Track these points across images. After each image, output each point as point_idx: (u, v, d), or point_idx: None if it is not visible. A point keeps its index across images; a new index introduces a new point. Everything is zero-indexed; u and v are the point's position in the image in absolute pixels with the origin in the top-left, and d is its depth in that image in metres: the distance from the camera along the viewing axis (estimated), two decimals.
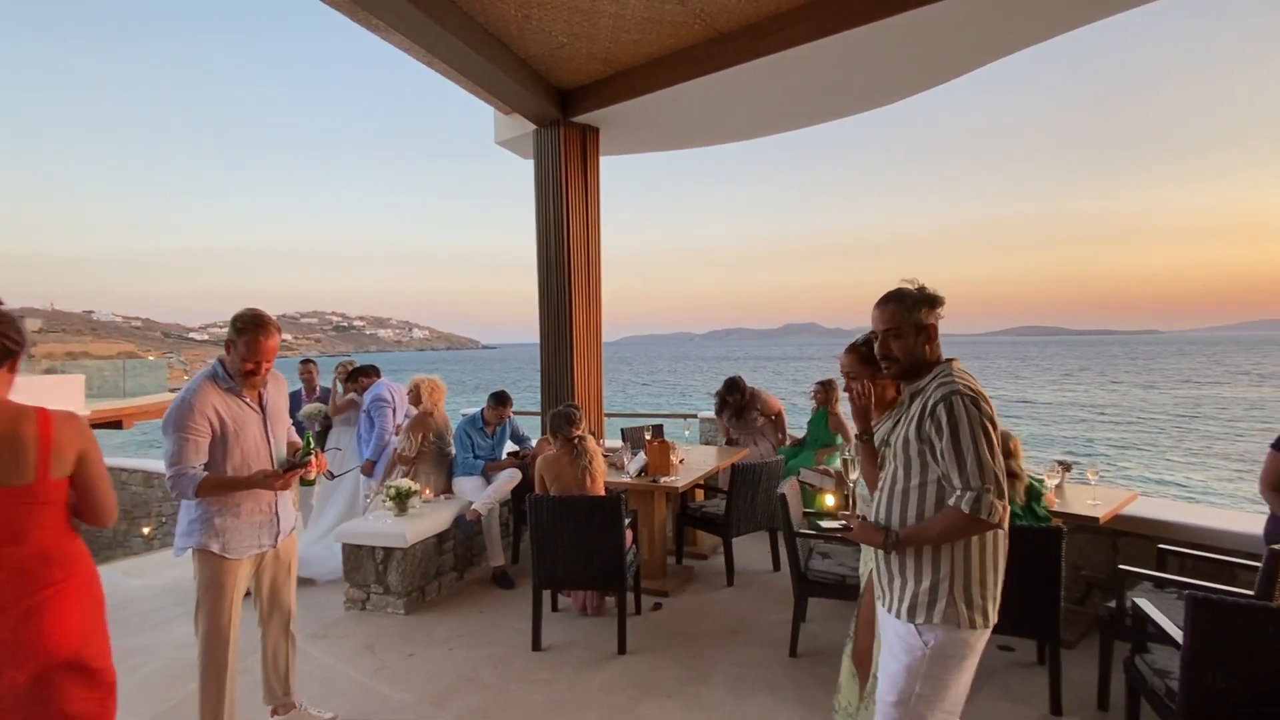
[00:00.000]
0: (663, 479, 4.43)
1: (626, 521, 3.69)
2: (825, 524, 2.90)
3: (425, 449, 4.92)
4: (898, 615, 1.94)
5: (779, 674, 3.42)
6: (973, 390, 1.87)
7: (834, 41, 4.56)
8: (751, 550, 5.24)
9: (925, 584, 1.90)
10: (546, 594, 4.28)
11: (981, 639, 1.92)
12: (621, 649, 3.65)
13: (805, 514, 3.93)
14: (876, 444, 2.15)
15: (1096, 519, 3.48)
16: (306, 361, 6.02)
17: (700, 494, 5.56)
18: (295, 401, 5.89)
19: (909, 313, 1.97)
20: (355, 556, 4.38)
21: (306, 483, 2.77)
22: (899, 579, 1.96)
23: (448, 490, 5.04)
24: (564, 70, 5.64)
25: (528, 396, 9.20)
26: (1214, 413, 38.68)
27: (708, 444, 7.93)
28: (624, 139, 6.54)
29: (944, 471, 1.86)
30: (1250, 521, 3.77)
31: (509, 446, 5.44)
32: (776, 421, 6.07)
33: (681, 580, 4.70)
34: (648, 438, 4.98)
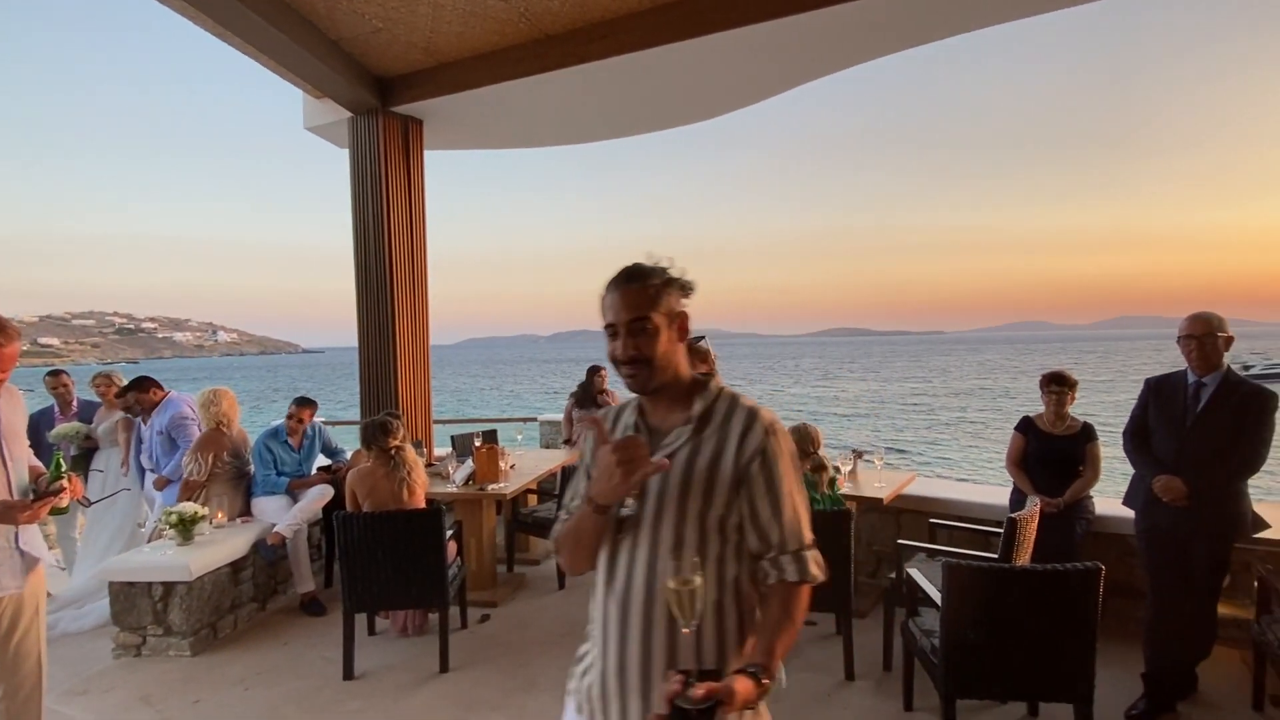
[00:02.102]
0: (491, 487, 4.31)
1: (449, 533, 3.54)
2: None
3: (219, 470, 4.37)
4: None
5: None
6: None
7: (660, 53, 4.71)
8: None
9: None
10: (362, 618, 4.00)
11: None
12: (444, 667, 3.49)
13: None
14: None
15: (881, 499, 3.92)
16: (56, 373, 5.07)
17: (534, 499, 5.50)
18: (47, 420, 4.99)
19: (659, 297, 1.34)
20: (126, 596, 3.78)
21: (57, 511, 2.37)
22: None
23: (246, 513, 4.52)
24: (383, 57, 5.32)
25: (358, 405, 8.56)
26: (984, 400, 45.39)
27: (548, 447, 7.87)
28: (450, 133, 6.31)
29: (752, 527, 1.31)
30: (1002, 494, 4.43)
31: (320, 461, 5.01)
32: None
33: (512, 588, 4.61)
34: (476, 444, 4.82)
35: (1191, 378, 3.01)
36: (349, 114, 5.70)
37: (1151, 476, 3.02)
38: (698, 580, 1.18)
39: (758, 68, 5.07)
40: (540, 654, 3.69)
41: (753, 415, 1.33)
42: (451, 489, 4.35)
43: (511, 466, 4.88)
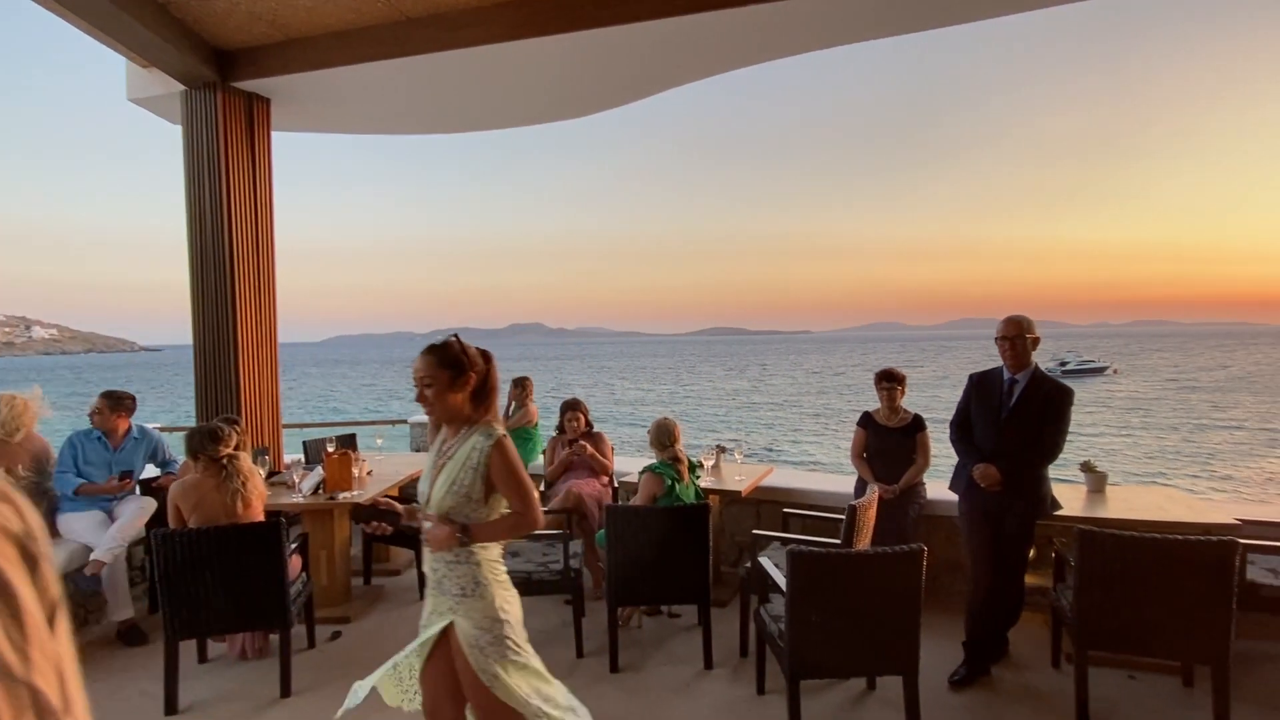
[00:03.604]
0: (342, 495, 4.04)
1: (292, 547, 3.28)
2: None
3: (15, 486, 3.77)
4: None
5: None
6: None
7: (529, 46, 4.62)
8: None
9: None
10: (192, 645, 3.61)
11: None
12: (285, 692, 3.23)
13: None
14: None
15: (739, 492, 4.07)
16: None
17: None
18: None
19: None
20: None
21: None
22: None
23: (53, 533, 3.95)
24: (222, 27, 4.84)
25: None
26: (845, 395, 48.76)
27: (419, 450, 7.51)
28: (303, 115, 5.86)
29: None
30: (851, 483, 4.73)
31: (149, 471, 4.47)
32: None
33: (368, 602, 4.36)
34: (329, 450, 4.50)
35: (1006, 375, 3.37)
36: (182, 87, 5.15)
37: (972, 464, 3.34)
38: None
39: (629, 68, 5.10)
40: None
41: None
42: (298, 499, 4.04)
43: (369, 473, 4.61)
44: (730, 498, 4.39)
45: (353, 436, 6.04)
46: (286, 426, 6.52)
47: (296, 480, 4.11)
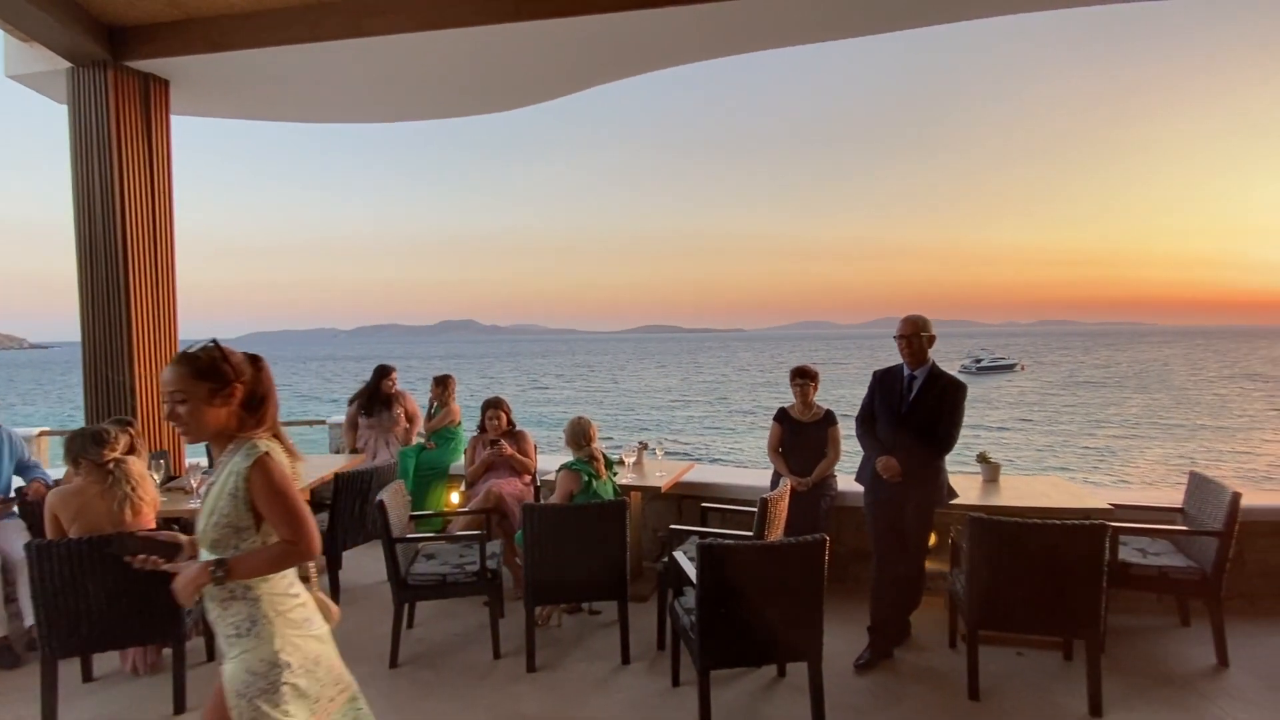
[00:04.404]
0: None
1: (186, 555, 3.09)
2: None
3: None
4: None
5: (376, 688, 3.25)
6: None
7: (447, 37, 4.52)
8: (371, 562, 4.92)
9: None
10: (75, 664, 3.37)
11: None
12: (179, 708, 3.06)
13: (413, 517, 3.84)
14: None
15: (659, 488, 4.13)
16: None
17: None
18: None
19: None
20: None
21: None
22: None
23: None
24: (113, 2, 4.53)
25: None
26: (773, 391, 50.07)
27: (338, 452, 7.23)
28: (206, 98, 5.56)
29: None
30: (767, 477, 4.86)
31: (15, 482, 4.09)
32: (412, 425, 5.86)
33: None
34: None
35: (906, 371, 3.55)
36: (68, 64, 4.79)
37: (875, 456, 3.50)
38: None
39: (556, 62, 5.07)
40: None
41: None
42: (197, 505, 3.82)
43: None
44: (652, 494, 4.45)
45: None
46: None
47: (195, 485, 3.89)
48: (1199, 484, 3.82)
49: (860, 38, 4.73)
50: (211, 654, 3.57)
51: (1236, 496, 3.38)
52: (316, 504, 4.92)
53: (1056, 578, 2.95)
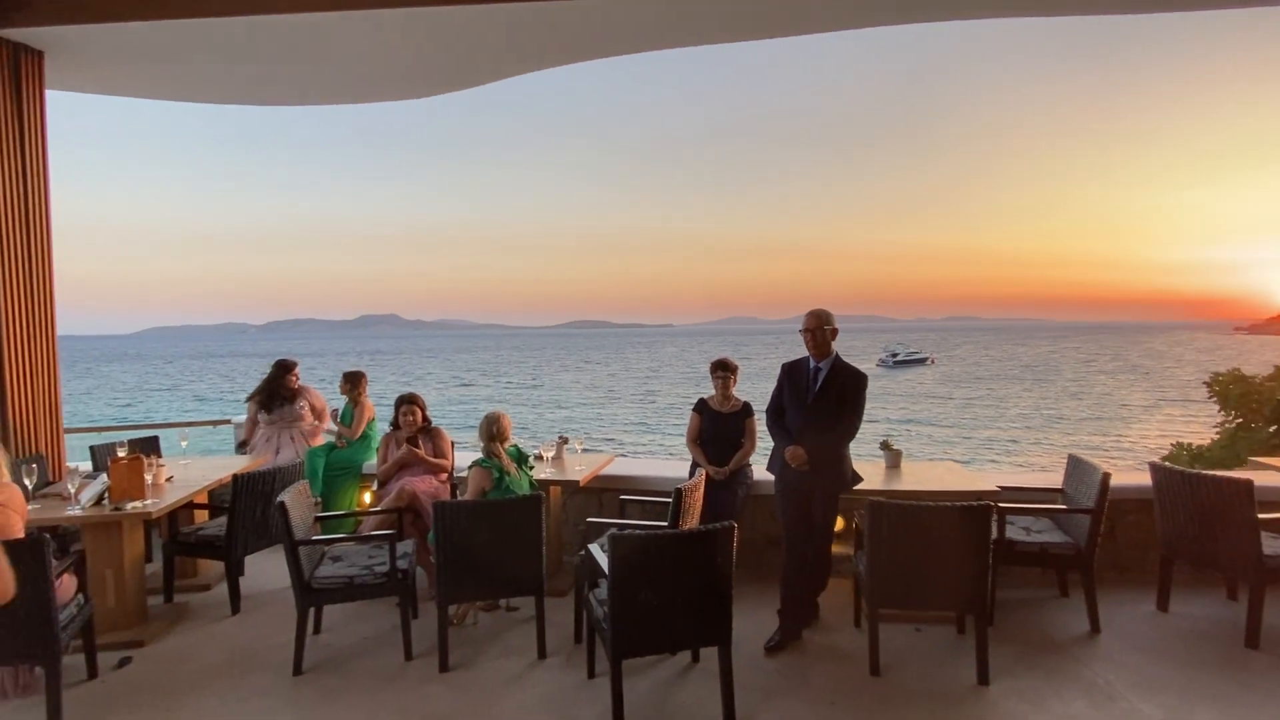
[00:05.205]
0: (131, 505, 3.60)
1: (62, 566, 2.87)
2: None
3: None
4: None
5: (278, 699, 3.12)
6: None
7: (347, 20, 4.33)
8: (276, 568, 4.68)
9: None
10: None
11: None
12: None
13: (320, 518, 3.69)
14: None
15: (577, 481, 4.13)
16: None
17: (204, 514, 4.74)
18: None
19: None
20: None
21: None
22: None
23: None
24: None
25: None
26: (704, 385, 51.01)
27: (242, 452, 6.84)
28: (85, 72, 5.14)
29: None
30: (686, 468, 4.93)
31: None
32: (321, 420, 5.61)
33: (169, 622, 3.92)
34: (119, 455, 3.98)
35: (812, 363, 3.68)
36: None
37: (784, 446, 3.62)
38: None
39: (465, 51, 4.96)
40: (197, 692, 3.19)
41: None
42: (75, 512, 3.54)
43: (168, 479, 4.15)
44: (571, 488, 4.44)
45: (154, 439, 5.40)
46: (71, 431, 5.70)
47: (73, 491, 3.60)
48: (1076, 466, 4.15)
49: (784, 38, 4.84)
50: (94, 671, 3.32)
51: (1106, 476, 3.69)
52: (215, 507, 4.66)
53: (948, 556, 3.14)
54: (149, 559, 4.64)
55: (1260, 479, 3.94)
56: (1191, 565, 3.90)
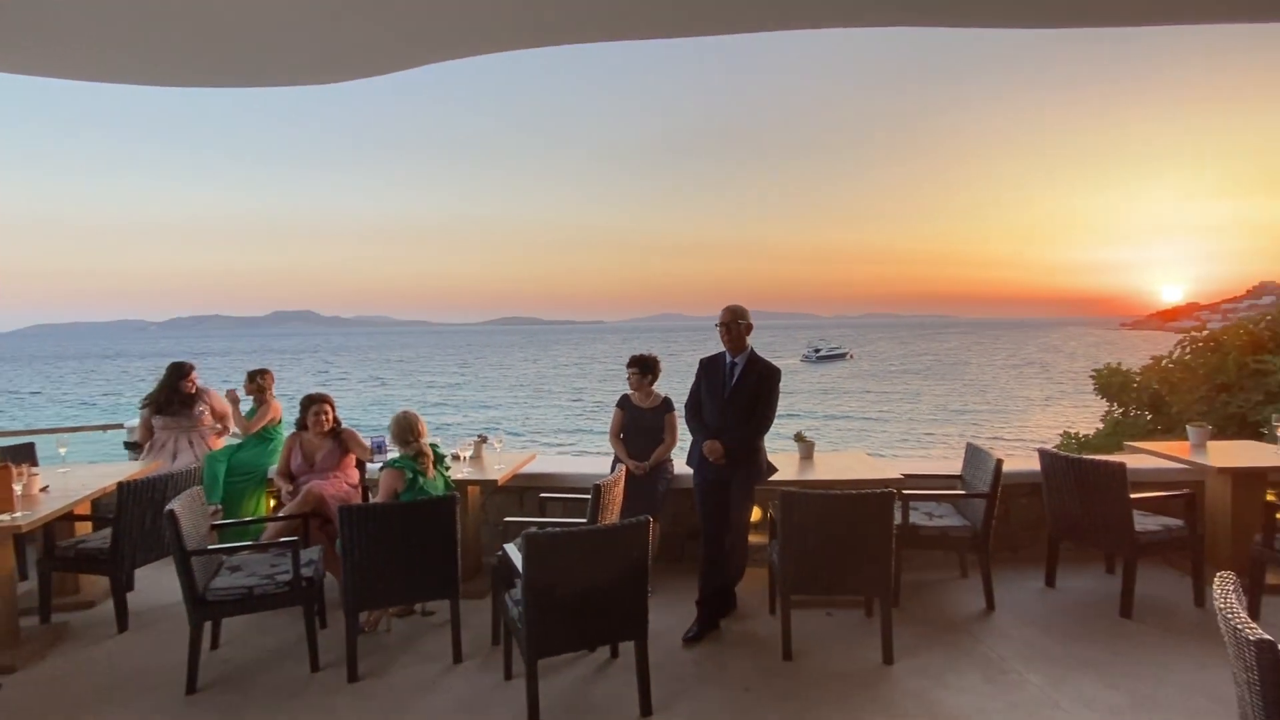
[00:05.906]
0: None
1: None
2: None
3: None
4: None
5: (168, 718, 2.92)
6: None
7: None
8: (170, 580, 4.36)
9: None
10: None
11: None
12: None
13: (214, 526, 3.46)
14: None
15: (496, 480, 4.06)
16: None
17: (88, 526, 4.37)
18: None
19: None
20: None
21: None
22: None
23: None
24: None
25: None
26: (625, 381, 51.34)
27: (134, 459, 6.34)
28: None
29: None
30: (608, 464, 4.93)
31: None
32: (223, 423, 5.27)
33: (45, 644, 3.60)
34: None
35: (728, 358, 3.75)
36: None
37: (702, 440, 3.67)
38: None
39: (379, 35, 4.75)
40: (77, 718, 2.94)
41: None
42: None
43: (42, 489, 3.81)
44: (491, 487, 4.35)
45: (29, 447, 4.95)
46: None
47: None
48: (973, 454, 4.40)
49: (724, 36, 4.86)
50: None
51: (999, 463, 3.93)
52: (100, 518, 4.32)
53: (856, 542, 3.26)
54: (23, 576, 4.27)
55: (1134, 462, 4.29)
56: (1075, 543, 4.21)
